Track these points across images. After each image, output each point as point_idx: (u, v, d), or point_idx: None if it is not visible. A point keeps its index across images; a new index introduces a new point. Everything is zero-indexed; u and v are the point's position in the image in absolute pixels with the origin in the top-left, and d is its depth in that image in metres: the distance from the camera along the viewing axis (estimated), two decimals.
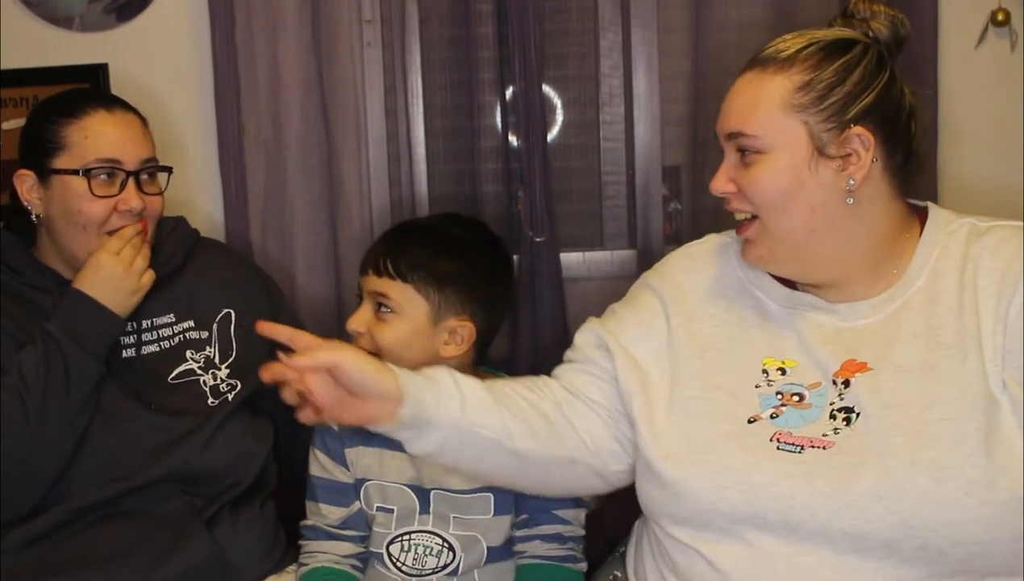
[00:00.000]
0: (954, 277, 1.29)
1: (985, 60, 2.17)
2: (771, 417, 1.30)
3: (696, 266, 1.46)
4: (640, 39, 2.24)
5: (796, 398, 1.31)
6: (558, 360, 2.19)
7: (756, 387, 1.33)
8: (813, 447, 1.26)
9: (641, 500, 1.41)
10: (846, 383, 1.29)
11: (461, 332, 1.57)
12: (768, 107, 1.28)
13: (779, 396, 1.31)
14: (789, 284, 1.38)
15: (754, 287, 1.40)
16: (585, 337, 1.50)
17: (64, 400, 1.53)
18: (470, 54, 2.18)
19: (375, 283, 1.56)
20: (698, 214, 2.24)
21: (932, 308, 1.29)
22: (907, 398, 1.25)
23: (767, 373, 1.33)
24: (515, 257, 2.20)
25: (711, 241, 1.50)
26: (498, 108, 2.22)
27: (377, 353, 1.54)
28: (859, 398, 1.27)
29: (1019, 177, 2.16)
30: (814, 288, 1.36)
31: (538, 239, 2.17)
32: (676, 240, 2.30)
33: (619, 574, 1.54)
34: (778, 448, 1.27)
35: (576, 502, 1.61)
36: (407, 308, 1.55)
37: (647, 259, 2.24)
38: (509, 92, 2.19)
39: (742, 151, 1.30)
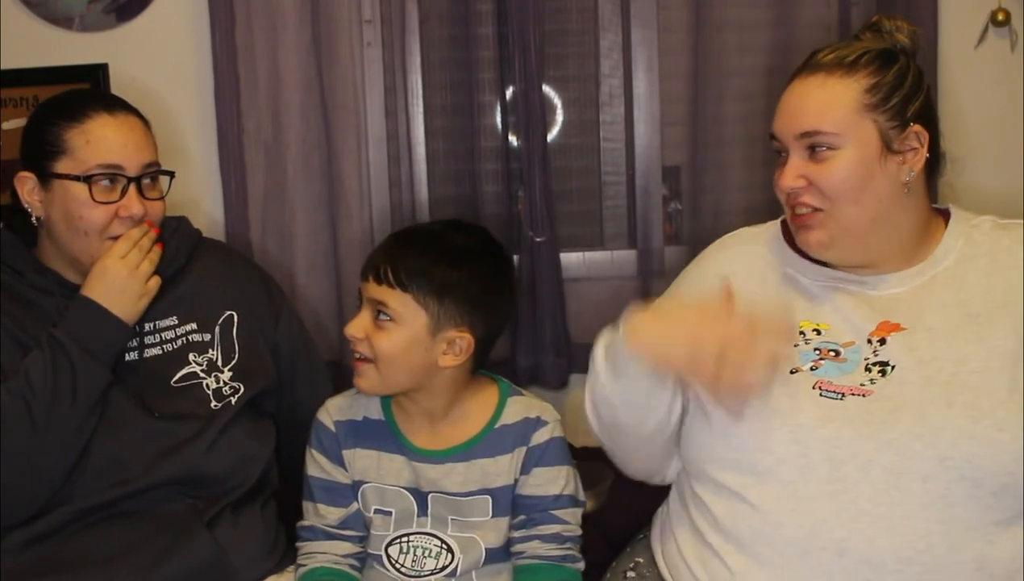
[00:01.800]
0: (982, 260, 1.43)
1: (985, 60, 2.18)
2: (811, 369, 1.42)
3: (730, 254, 1.60)
4: (640, 39, 2.24)
5: (833, 353, 1.43)
6: (557, 360, 2.21)
7: (795, 346, 1.44)
8: (853, 395, 1.38)
9: (688, 451, 1.51)
10: (882, 341, 1.41)
11: (460, 343, 1.55)
12: (844, 107, 1.41)
13: (817, 352, 1.43)
14: (819, 263, 1.50)
15: (786, 267, 1.52)
16: None
17: (70, 407, 1.53)
18: (470, 54, 2.18)
19: (375, 290, 1.55)
20: (698, 214, 2.23)
21: (959, 285, 1.42)
22: (940, 354, 1.37)
23: (804, 334, 1.45)
24: (515, 257, 2.20)
25: (744, 232, 1.64)
26: (498, 108, 2.22)
27: (374, 359, 1.54)
28: (894, 354, 1.39)
29: (1019, 177, 2.16)
30: (850, 267, 1.48)
31: (538, 239, 2.17)
32: (676, 240, 2.30)
33: (641, 560, 1.59)
34: (820, 395, 1.39)
35: (573, 502, 1.62)
36: (406, 317, 1.53)
37: (647, 259, 2.24)
38: (509, 92, 2.20)
39: (811, 148, 1.42)
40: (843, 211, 1.42)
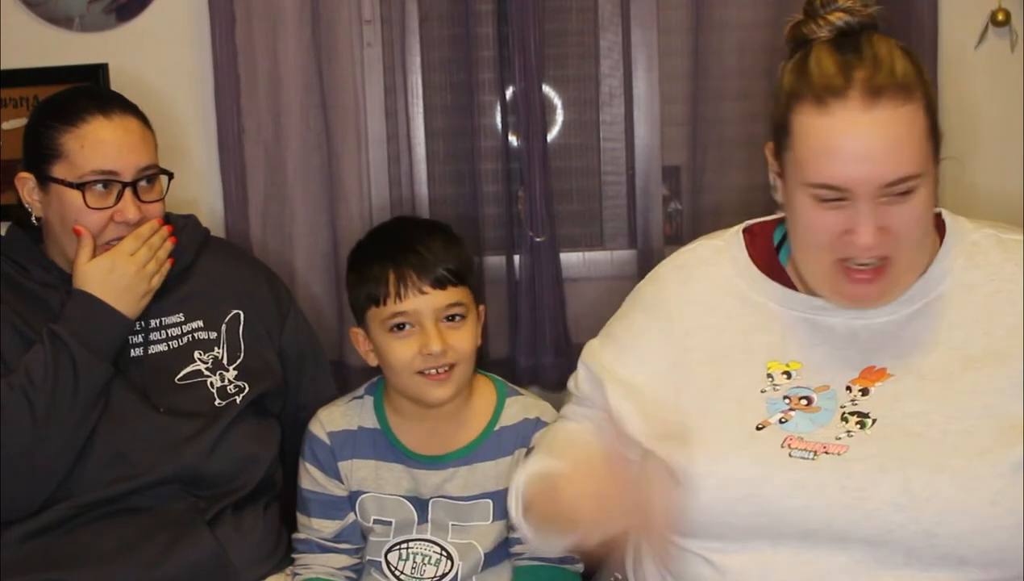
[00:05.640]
0: (982, 290, 1.27)
1: (985, 60, 2.17)
2: (780, 422, 1.26)
3: (690, 277, 1.42)
4: (640, 39, 2.24)
5: (804, 402, 1.27)
6: (557, 360, 2.21)
7: (762, 392, 1.29)
8: (827, 453, 1.22)
9: None
10: (864, 391, 1.26)
11: (479, 313, 1.60)
12: (920, 142, 1.20)
13: (787, 400, 1.27)
14: (790, 286, 1.36)
15: (754, 293, 1.36)
16: (582, 376, 1.49)
17: (71, 402, 1.53)
18: (470, 54, 2.18)
19: (440, 297, 1.51)
20: (698, 214, 2.23)
21: (956, 319, 1.26)
22: (929, 407, 1.22)
23: (772, 377, 1.30)
24: (515, 257, 2.21)
25: (702, 247, 1.45)
26: (498, 108, 2.22)
27: (456, 362, 1.53)
28: (878, 406, 1.24)
29: (1019, 178, 2.16)
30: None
31: (538, 239, 2.17)
32: (676, 240, 2.30)
33: (619, 576, 1.52)
34: (790, 455, 1.23)
35: None
36: (470, 307, 1.56)
37: (647, 259, 2.24)
38: (509, 92, 2.19)
39: (894, 193, 1.20)
40: (907, 253, 1.22)
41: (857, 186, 1.18)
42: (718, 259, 1.41)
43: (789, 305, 1.34)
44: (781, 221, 1.43)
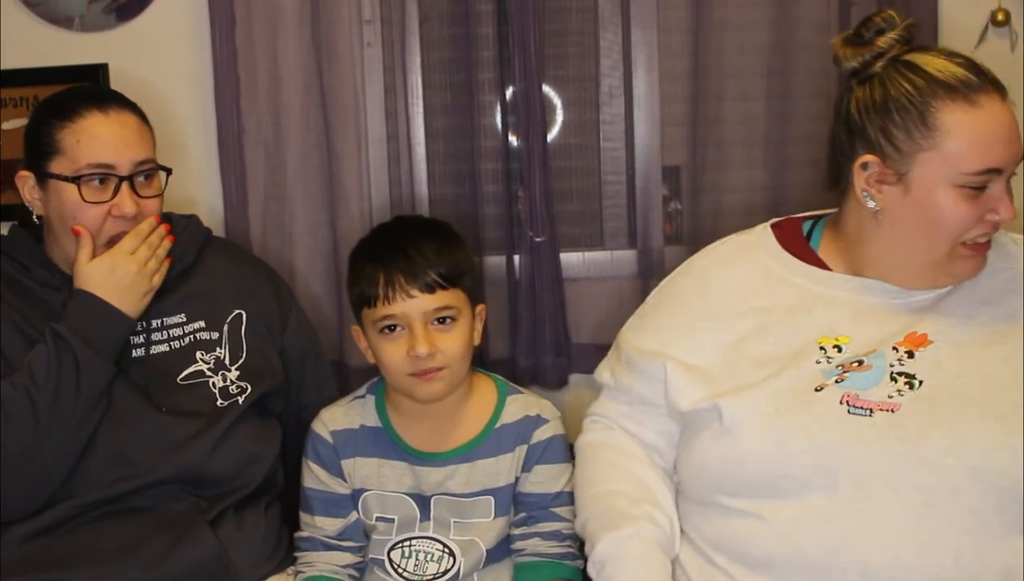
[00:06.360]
0: (1004, 276, 1.41)
1: (985, 60, 2.16)
2: (836, 382, 1.36)
3: (727, 267, 1.53)
4: (640, 39, 2.24)
5: (856, 364, 1.38)
6: (557, 360, 2.21)
7: (817, 363, 1.39)
8: (882, 411, 1.33)
9: (689, 476, 1.46)
10: (910, 354, 1.37)
11: (479, 315, 1.60)
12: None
13: (840, 367, 1.38)
14: (819, 266, 1.47)
15: (793, 276, 1.47)
16: (621, 367, 1.56)
17: (74, 401, 1.53)
18: (470, 54, 2.18)
19: (429, 301, 1.51)
20: (698, 214, 2.23)
21: (985, 297, 1.40)
22: (969, 371, 1.34)
23: (824, 350, 1.40)
24: (515, 257, 2.21)
25: (734, 240, 1.57)
26: (498, 108, 2.22)
27: (446, 364, 1.53)
28: (922, 369, 1.35)
29: (1019, 179, 2.16)
30: (876, 275, 1.43)
31: (538, 239, 2.17)
32: (676, 240, 2.30)
33: None
34: (849, 412, 1.34)
35: (573, 499, 1.61)
36: (463, 310, 1.55)
37: (647, 259, 2.24)
38: (509, 92, 2.20)
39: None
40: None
41: (1008, 165, 1.35)
42: (751, 250, 1.53)
43: (829, 285, 1.45)
44: (807, 218, 1.56)
